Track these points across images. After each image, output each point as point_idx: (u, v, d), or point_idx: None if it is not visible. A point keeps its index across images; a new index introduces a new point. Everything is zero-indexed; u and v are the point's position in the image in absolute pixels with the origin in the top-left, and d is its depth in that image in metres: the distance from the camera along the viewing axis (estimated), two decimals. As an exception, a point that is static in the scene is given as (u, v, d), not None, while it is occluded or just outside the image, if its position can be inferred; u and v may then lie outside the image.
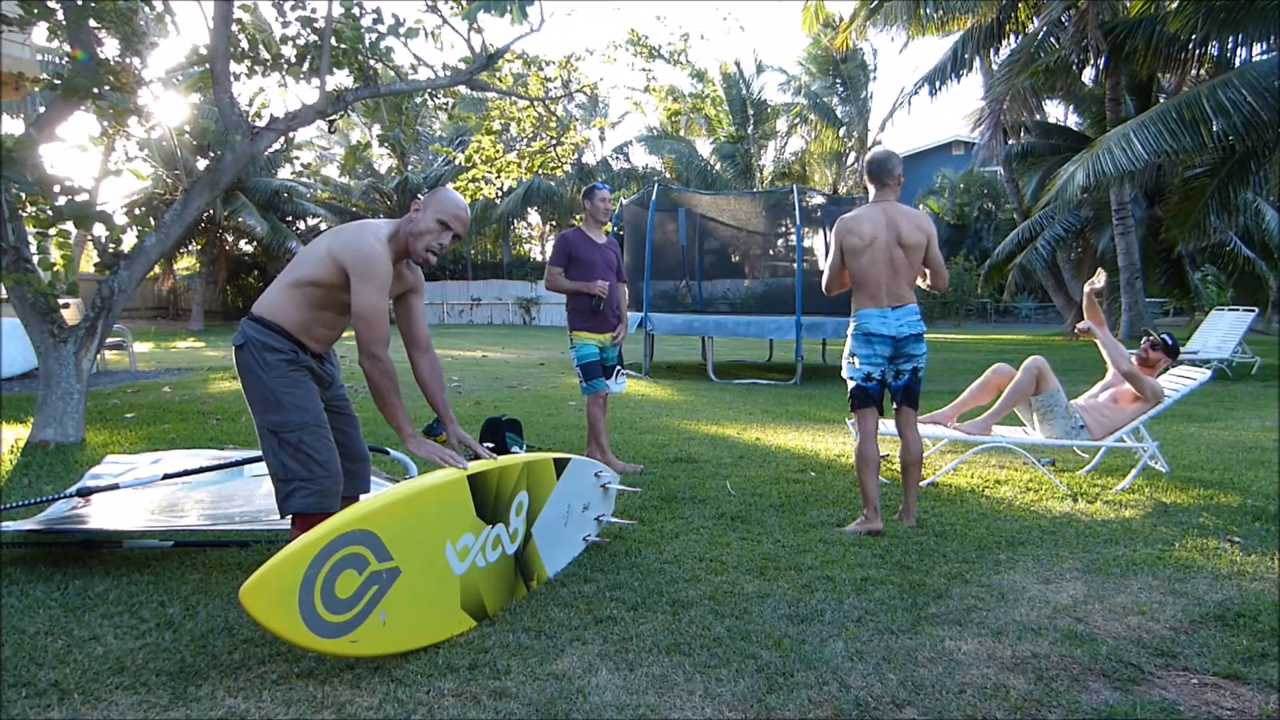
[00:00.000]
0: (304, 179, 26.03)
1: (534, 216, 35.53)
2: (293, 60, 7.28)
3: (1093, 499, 4.56)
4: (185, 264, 30.38)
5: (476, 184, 10.27)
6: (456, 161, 10.63)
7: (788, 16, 54.63)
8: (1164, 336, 5.20)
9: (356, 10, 7.12)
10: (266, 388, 2.82)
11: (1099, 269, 4.90)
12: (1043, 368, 4.94)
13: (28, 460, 5.48)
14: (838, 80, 28.89)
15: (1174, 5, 13.20)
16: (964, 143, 31.61)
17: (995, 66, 18.03)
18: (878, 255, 3.99)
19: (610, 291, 5.37)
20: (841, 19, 22.76)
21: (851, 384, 4.13)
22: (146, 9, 6.63)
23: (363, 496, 3.46)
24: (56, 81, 5.98)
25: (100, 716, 2.25)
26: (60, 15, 6.03)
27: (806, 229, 13.60)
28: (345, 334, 3.10)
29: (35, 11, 5.92)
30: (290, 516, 2.84)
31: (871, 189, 4.15)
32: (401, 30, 7.30)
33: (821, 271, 4.38)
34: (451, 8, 7.77)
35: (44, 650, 2.61)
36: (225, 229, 26.98)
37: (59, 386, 6.11)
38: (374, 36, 7.17)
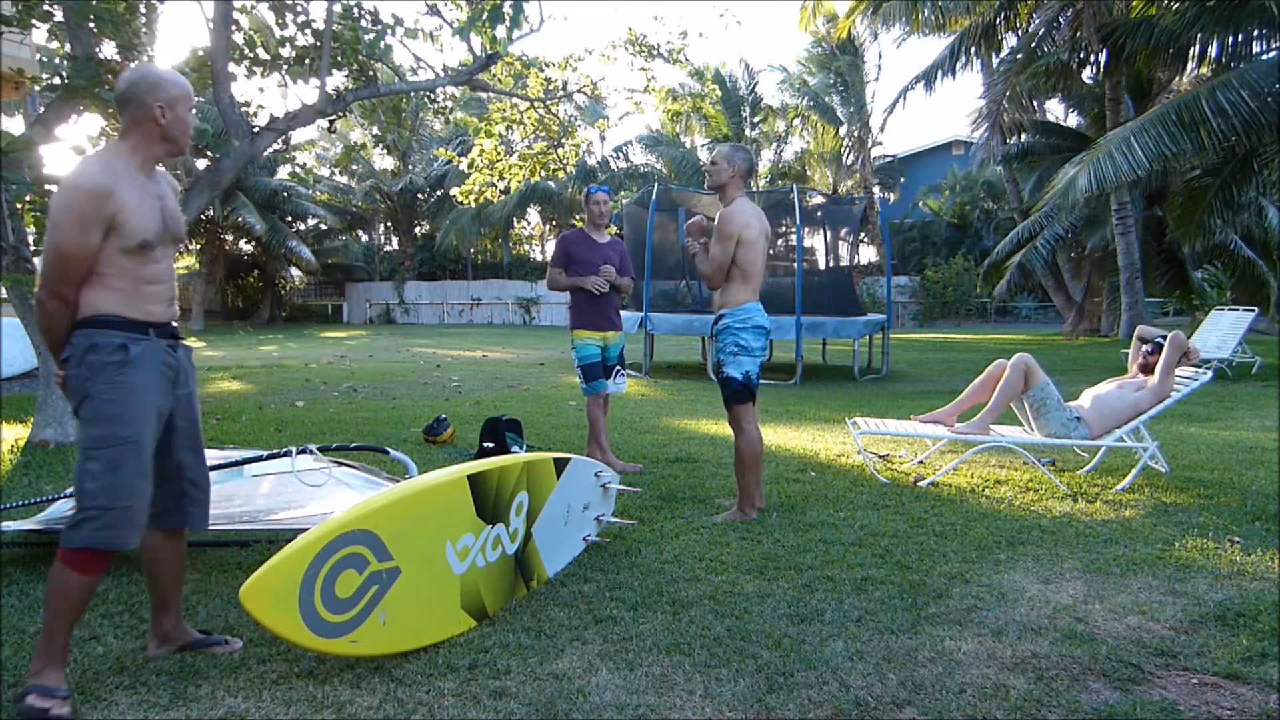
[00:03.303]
0: (301, 182, 26.00)
1: (534, 216, 35.55)
2: (291, 61, 7.29)
3: (1093, 499, 4.56)
4: (184, 263, 30.42)
5: (479, 188, 10.27)
6: (459, 165, 10.64)
7: (787, 17, 54.64)
8: (1158, 339, 5.27)
9: (355, 10, 7.13)
10: (87, 396, 2.37)
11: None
12: (1029, 363, 4.97)
13: (28, 460, 5.48)
14: (838, 79, 28.87)
15: (1171, 4, 13.22)
16: (964, 142, 31.58)
17: (995, 66, 18.03)
18: (761, 249, 4.15)
19: (610, 291, 5.37)
20: (842, 12, 22.70)
21: (736, 380, 4.14)
22: (142, 8, 6.62)
23: (361, 497, 3.45)
24: (57, 82, 5.98)
25: (100, 716, 2.25)
26: (59, 16, 6.03)
27: (806, 229, 13.60)
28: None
29: (33, 13, 5.92)
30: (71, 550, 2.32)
31: (738, 185, 4.19)
32: (400, 30, 7.31)
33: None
34: (451, 9, 7.77)
35: (44, 650, 2.61)
36: (225, 228, 27.01)
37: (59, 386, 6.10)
38: (372, 36, 7.18)
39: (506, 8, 6.19)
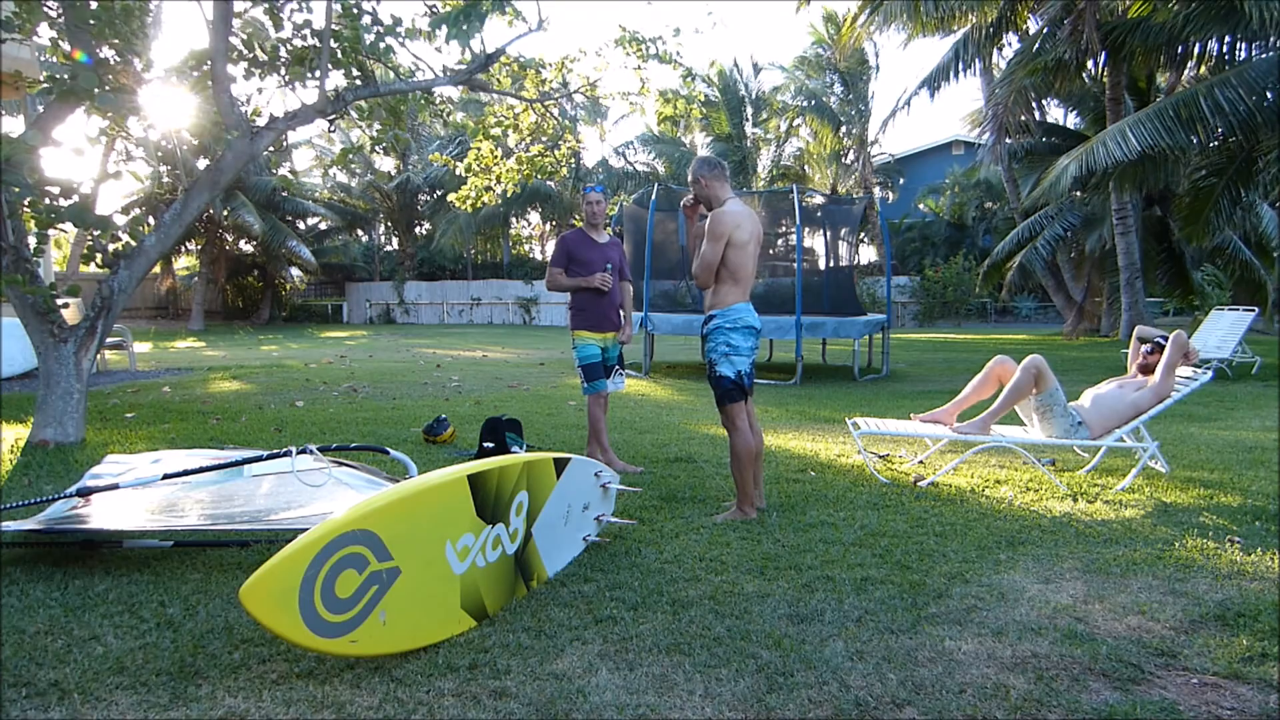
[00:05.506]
0: (287, 186, 25.85)
1: (534, 216, 35.57)
2: (290, 61, 7.28)
3: (1093, 499, 4.56)
4: (185, 263, 30.42)
5: (476, 194, 10.25)
6: (457, 172, 10.64)
7: (787, 16, 54.61)
8: (1158, 339, 5.27)
9: (355, 10, 7.12)
10: None
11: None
12: (1041, 367, 4.95)
13: (28, 460, 5.47)
14: (836, 79, 28.88)
15: (1170, 3, 13.22)
16: (964, 142, 31.62)
17: (996, 67, 18.02)
18: (752, 250, 4.18)
19: (611, 290, 5.37)
20: (841, 15, 22.69)
21: (728, 379, 4.16)
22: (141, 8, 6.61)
23: (361, 497, 3.45)
24: (57, 79, 5.97)
25: (100, 716, 2.25)
26: (59, 18, 6.02)
27: (806, 229, 13.59)
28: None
29: (33, 15, 5.91)
30: None
31: (724, 186, 4.22)
32: (400, 30, 7.31)
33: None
34: (449, 9, 7.75)
35: (44, 650, 2.61)
36: (225, 228, 26.99)
37: (59, 386, 6.10)
38: (372, 36, 7.17)
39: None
